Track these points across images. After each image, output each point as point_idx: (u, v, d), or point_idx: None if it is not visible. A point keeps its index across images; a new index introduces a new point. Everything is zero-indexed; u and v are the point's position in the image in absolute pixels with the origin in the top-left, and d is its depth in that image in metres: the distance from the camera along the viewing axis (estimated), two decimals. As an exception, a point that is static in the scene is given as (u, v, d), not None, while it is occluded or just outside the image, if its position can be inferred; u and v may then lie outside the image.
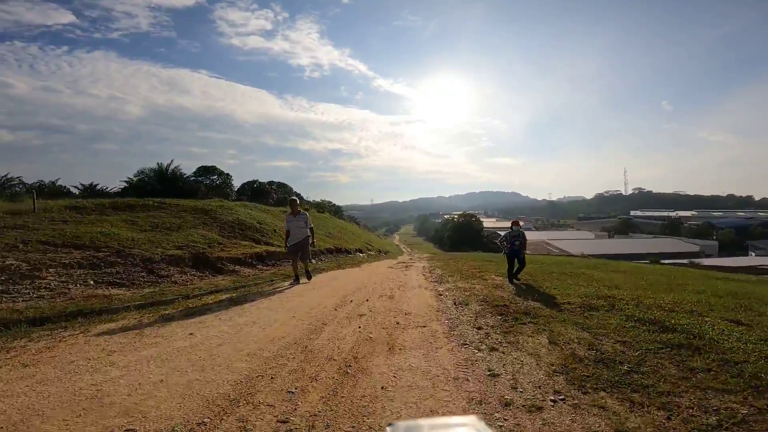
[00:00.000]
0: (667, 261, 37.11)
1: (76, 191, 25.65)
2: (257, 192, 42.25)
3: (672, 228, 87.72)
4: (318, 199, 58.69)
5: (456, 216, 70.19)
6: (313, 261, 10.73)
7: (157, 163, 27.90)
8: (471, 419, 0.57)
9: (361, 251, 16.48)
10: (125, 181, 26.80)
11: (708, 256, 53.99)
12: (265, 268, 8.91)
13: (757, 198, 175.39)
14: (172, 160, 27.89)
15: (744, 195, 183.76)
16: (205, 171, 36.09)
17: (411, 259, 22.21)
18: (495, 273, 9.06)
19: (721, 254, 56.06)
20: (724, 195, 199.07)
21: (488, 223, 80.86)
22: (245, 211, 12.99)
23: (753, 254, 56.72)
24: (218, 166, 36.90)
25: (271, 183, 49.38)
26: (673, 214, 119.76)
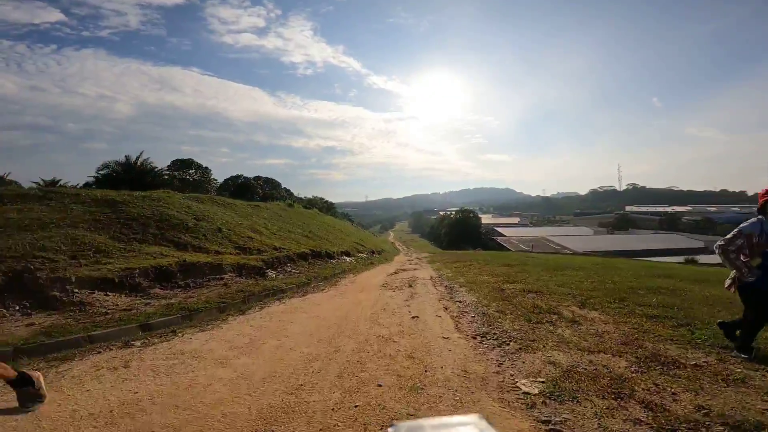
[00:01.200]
0: (672, 258, 35.32)
1: (33, 186, 23.01)
2: (242, 188, 39.54)
3: (670, 223, 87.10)
4: (310, 196, 56.49)
5: (453, 212, 67.72)
6: (272, 274, 8.21)
7: (125, 156, 25.36)
8: (473, 418, 0.57)
9: (348, 254, 13.91)
10: (93, 176, 24.13)
11: (711, 252, 52.81)
12: (172, 292, 5.94)
13: (750, 193, 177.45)
14: (141, 152, 24.87)
15: (737, 190, 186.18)
16: (181, 165, 33.37)
17: (410, 261, 19.84)
18: (575, 304, 5.81)
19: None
20: (717, 190, 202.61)
21: (484, 219, 78.97)
22: (185, 204, 10.44)
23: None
24: (209, 165, 34.42)
25: (257, 178, 46.69)
26: (668, 209, 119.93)
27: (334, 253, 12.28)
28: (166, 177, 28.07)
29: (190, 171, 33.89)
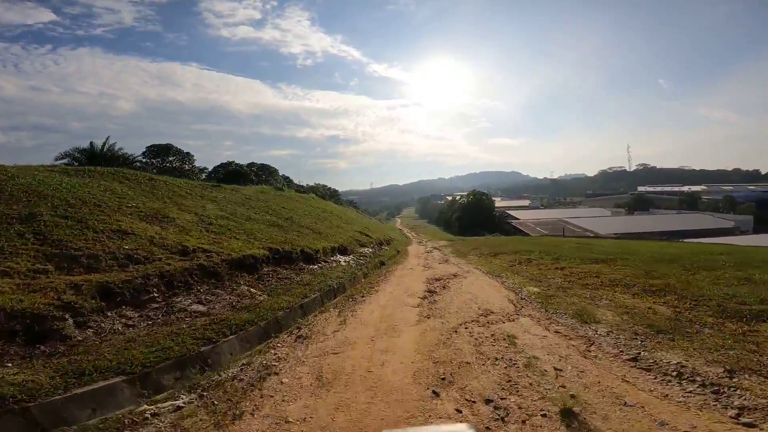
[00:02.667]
0: (719, 239, 31.58)
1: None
2: (233, 175, 36.23)
3: (690, 203, 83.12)
4: (313, 183, 53.28)
5: (462, 196, 62.96)
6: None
7: (90, 142, 22.48)
8: (462, 427, 0.62)
9: (344, 250, 10.29)
10: (49, 167, 20.91)
11: (743, 232, 49.21)
12: None
13: (763, 172, 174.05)
14: (107, 137, 22.55)
15: (751, 169, 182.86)
16: (159, 151, 29.79)
17: (429, 252, 16.33)
18: None
19: (758, 230, 50.62)
20: (730, 169, 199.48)
21: (496, 202, 74.78)
22: (42, 179, 6.88)
23: (784, 230, 51.80)
24: (214, 158, 31.42)
25: (251, 165, 43.30)
26: (684, 188, 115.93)
27: (318, 251, 8.36)
28: (139, 164, 24.92)
29: (169, 158, 30.34)
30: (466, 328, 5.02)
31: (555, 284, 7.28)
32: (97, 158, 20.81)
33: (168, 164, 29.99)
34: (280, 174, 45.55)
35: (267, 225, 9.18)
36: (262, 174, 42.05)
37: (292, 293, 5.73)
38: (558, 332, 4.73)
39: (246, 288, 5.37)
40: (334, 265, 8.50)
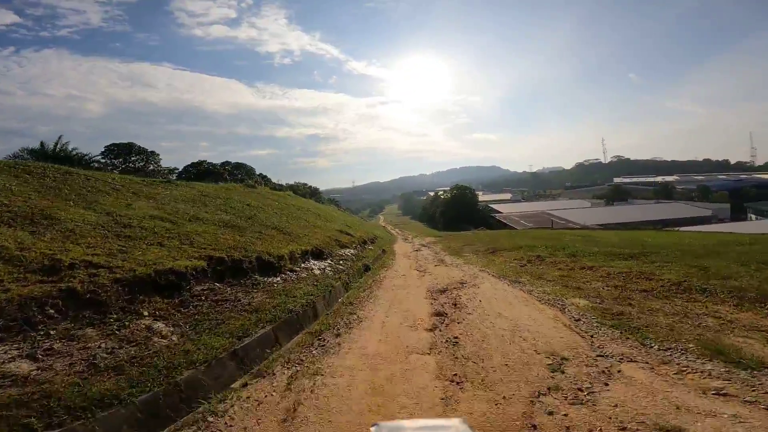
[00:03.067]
0: (692, 228, 31.63)
1: None
2: (205, 174, 33.79)
3: (666, 193, 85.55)
4: (293, 182, 51.02)
5: (445, 190, 61.63)
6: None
7: (41, 143, 20.37)
8: (455, 422, 0.55)
9: (320, 254, 8.30)
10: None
11: (721, 220, 50.33)
12: None
13: (732, 162, 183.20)
14: (60, 137, 20.61)
15: (720, 159, 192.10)
16: (120, 150, 26.78)
17: (418, 251, 14.43)
18: None
19: (735, 218, 51.90)
20: (701, 160, 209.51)
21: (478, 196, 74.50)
22: None
23: (755, 217, 53.46)
24: (190, 159, 29.58)
25: (225, 164, 40.84)
26: (658, 179, 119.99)
27: (282, 258, 6.34)
28: (97, 165, 22.33)
29: (132, 157, 27.40)
30: (551, 414, 2.71)
31: (604, 293, 5.59)
32: (48, 159, 18.53)
33: (131, 164, 27.27)
34: (257, 173, 43.20)
35: (218, 226, 7.13)
36: (238, 173, 39.75)
37: (225, 329, 3.78)
38: (727, 399, 2.74)
39: (148, 322, 3.40)
40: (305, 275, 6.56)
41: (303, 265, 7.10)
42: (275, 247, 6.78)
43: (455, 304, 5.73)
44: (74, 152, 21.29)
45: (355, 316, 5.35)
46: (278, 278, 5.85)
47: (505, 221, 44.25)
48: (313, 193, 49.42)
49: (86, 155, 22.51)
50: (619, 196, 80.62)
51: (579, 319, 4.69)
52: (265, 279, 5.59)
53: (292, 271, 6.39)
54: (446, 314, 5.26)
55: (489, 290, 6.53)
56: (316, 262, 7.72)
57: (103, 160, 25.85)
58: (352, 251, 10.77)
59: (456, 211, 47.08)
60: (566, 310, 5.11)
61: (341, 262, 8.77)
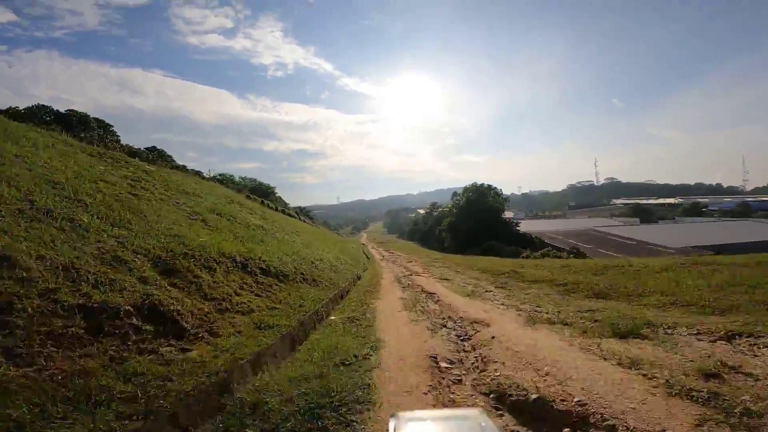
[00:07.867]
0: None
1: None
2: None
3: (696, 212, 79.72)
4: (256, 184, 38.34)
5: (457, 193, 40.62)
6: None
7: None
8: (474, 412, 0.58)
9: None
10: None
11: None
12: None
13: (725, 185, 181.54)
14: None
15: (714, 183, 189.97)
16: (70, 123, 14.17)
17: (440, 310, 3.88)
18: None
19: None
20: (692, 183, 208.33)
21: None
22: None
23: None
24: None
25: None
26: (659, 201, 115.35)
27: None
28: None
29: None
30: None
31: None
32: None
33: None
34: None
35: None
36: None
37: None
38: None
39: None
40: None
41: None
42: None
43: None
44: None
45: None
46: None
47: (551, 243, 30.57)
48: (265, 194, 31.15)
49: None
50: (642, 215, 71.14)
51: None
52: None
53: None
54: None
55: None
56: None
57: None
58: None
59: (472, 222, 32.33)
60: None
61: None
